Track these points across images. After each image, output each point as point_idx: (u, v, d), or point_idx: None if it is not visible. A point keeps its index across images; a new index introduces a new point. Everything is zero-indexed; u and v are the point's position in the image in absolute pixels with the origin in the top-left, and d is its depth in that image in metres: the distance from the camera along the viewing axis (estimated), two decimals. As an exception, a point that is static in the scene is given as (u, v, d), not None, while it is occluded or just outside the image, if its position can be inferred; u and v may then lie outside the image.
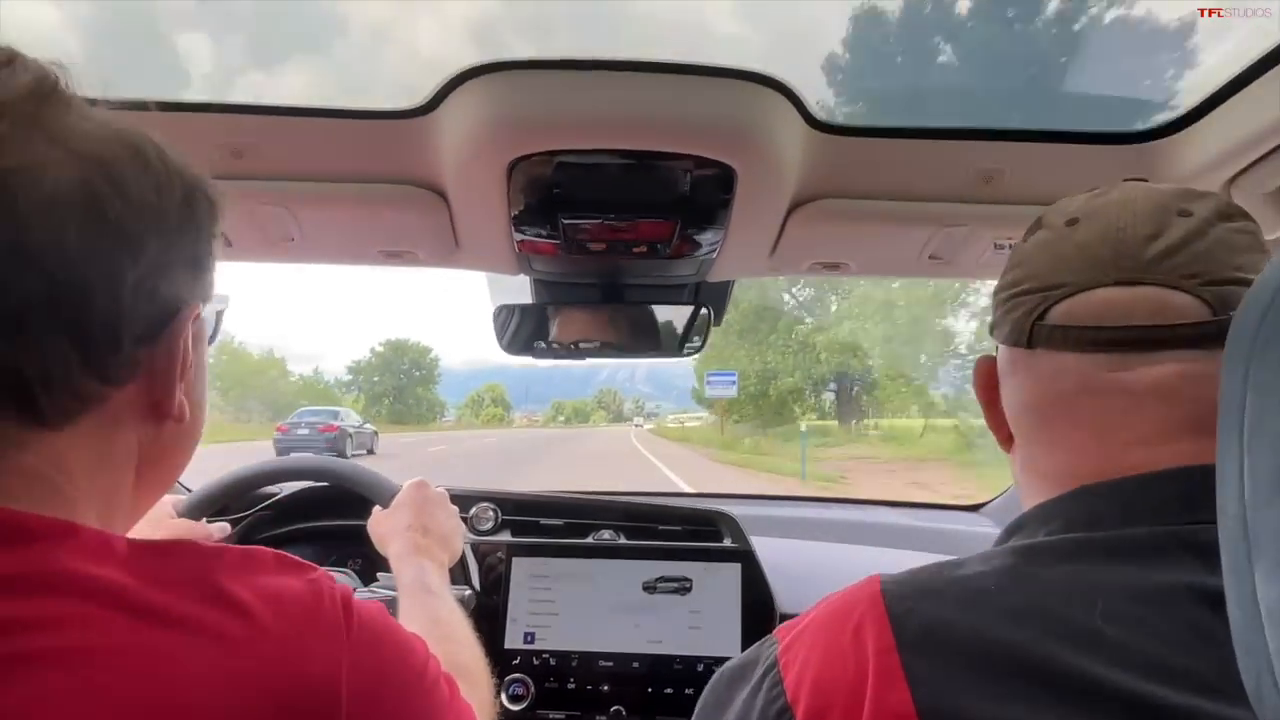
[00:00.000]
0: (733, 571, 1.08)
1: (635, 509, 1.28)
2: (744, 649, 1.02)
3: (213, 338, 0.51)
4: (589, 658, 1.05)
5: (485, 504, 1.21)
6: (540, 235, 0.96)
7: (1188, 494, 0.40)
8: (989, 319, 0.54)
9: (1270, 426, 0.29)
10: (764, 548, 1.12)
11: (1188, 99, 0.84)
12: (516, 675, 1.05)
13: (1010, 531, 0.48)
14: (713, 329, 1.20)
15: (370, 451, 19.53)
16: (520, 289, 1.19)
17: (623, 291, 1.15)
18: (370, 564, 1.11)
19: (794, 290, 25.42)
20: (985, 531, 1.45)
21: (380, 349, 61.39)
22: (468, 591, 1.03)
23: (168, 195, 0.41)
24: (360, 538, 0.94)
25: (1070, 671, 0.35)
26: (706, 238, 0.98)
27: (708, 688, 0.50)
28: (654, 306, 1.17)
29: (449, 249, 1.02)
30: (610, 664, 1.05)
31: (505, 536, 1.20)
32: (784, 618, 1.05)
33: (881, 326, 21.00)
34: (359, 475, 1.01)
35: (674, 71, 0.75)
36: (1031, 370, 0.48)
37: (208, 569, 0.38)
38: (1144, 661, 0.35)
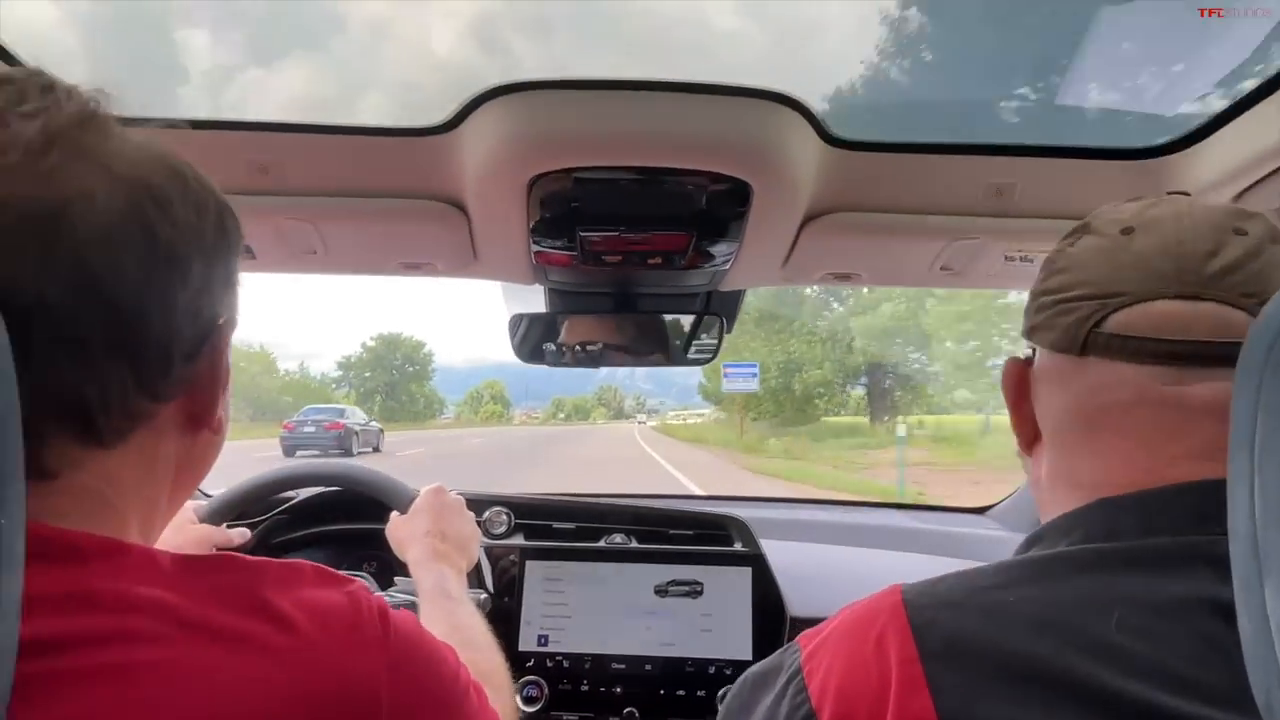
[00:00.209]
0: (743, 575, 1.09)
1: (646, 513, 1.30)
2: (755, 651, 1.04)
3: None
4: (602, 660, 1.07)
5: (499, 508, 1.23)
6: (557, 247, 0.98)
7: (1207, 506, 0.40)
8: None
9: None
10: (773, 551, 1.13)
11: (1197, 115, 0.86)
12: (531, 677, 1.06)
13: (1030, 542, 0.49)
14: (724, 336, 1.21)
15: (376, 449, 19.36)
16: (535, 297, 1.21)
17: (636, 300, 1.17)
18: (385, 568, 1.12)
19: (820, 273, 22.66)
20: (992, 534, 1.46)
21: (372, 343, 58.88)
22: (483, 595, 1.05)
23: (204, 215, 0.42)
24: (375, 542, 0.95)
25: (1087, 682, 0.36)
26: (720, 249, 1.00)
27: (731, 692, 0.52)
28: (666, 315, 1.19)
29: (467, 260, 1.03)
30: (623, 666, 1.07)
31: (519, 540, 1.22)
32: (794, 620, 1.07)
33: (941, 307, 18.48)
34: (377, 480, 1.03)
35: (692, 91, 0.77)
36: (1081, 378, 0.48)
37: (251, 583, 0.39)
38: (1159, 673, 0.36)
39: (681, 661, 1.06)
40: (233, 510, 1.03)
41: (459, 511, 0.93)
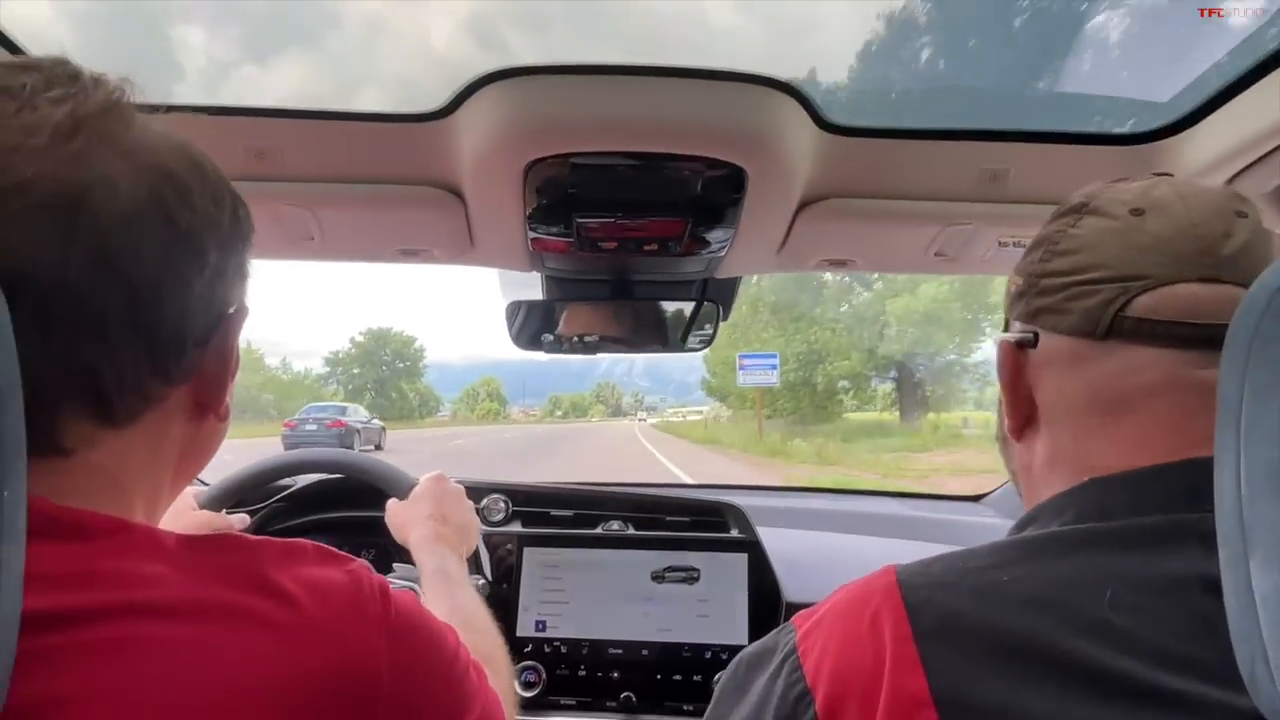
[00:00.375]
0: (739, 561, 1.10)
1: (643, 500, 1.30)
2: (751, 637, 1.05)
3: None
4: (599, 645, 1.08)
5: (496, 495, 1.24)
6: (553, 234, 0.98)
7: (1198, 483, 0.40)
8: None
9: (1266, 424, 0.31)
10: (769, 538, 1.14)
11: (1189, 100, 0.86)
12: (529, 663, 1.07)
13: (1024, 523, 0.49)
14: (720, 323, 1.22)
15: (378, 447, 19.40)
16: (532, 285, 1.21)
17: (632, 288, 1.18)
18: (384, 554, 1.13)
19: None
20: (986, 522, 1.47)
21: (360, 339, 56.91)
22: (481, 581, 1.05)
23: (221, 205, 0.43)
24: (374, 529, 0.96)
25: (1081, 660, 0.36)
26: (716, 236, 1.00)
27: (726, 673, 0.52)
28: (662, 302, 1.20)
29: (464, 247, 1.04)
30: (620, 652, 1.07)
31: (516, 527, 1.23)
32: (790, 606, 1.07)
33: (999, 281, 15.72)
34: (377, 468, 1.04)
35: (687, 76, 0.77)
36: (1100, 362, 0.47)
37: (253, 561, 0.40)
38: (1152, 650, 0.36)
39: (678, 647, 1.07)
40: (232, 497, 1.03)
41: (459, 498, 0.94)
